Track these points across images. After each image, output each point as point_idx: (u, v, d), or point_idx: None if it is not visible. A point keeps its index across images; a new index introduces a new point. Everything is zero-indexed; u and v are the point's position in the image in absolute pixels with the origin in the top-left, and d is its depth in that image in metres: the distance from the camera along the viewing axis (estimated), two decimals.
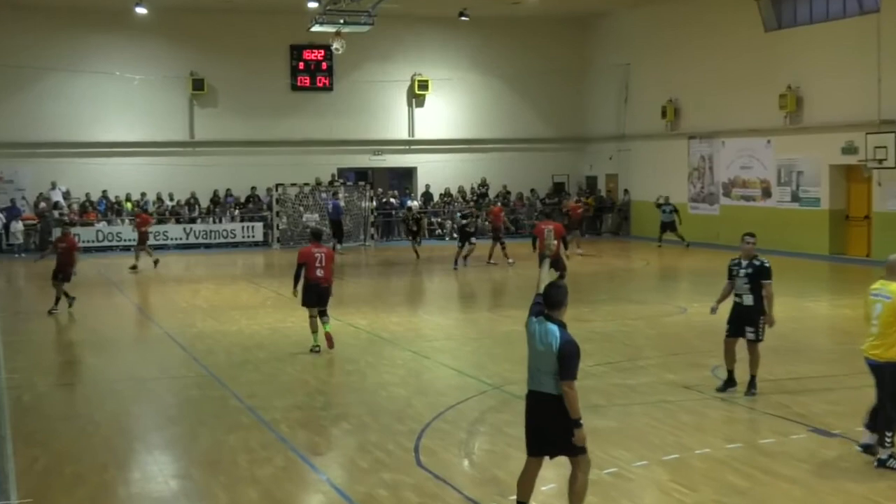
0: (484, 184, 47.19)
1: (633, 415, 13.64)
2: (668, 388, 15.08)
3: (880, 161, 31.87)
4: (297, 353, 18.57)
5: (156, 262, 34.21)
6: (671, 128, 42.85)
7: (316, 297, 18.39)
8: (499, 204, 42.22)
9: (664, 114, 42.82)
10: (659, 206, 39.85)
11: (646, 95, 44.02)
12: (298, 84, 44.96)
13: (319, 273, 18.26)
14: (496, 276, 31.65)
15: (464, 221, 34.45)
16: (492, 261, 33.82)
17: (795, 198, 36.21)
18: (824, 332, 21.36)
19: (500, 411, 13.92)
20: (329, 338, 18.44)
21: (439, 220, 45.33)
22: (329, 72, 45.22)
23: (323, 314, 18.47)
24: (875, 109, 32.71)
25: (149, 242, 35.53)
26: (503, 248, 33.96)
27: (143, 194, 42.66)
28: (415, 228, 37.95)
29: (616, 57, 45.68)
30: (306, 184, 43.16)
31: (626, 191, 46.00)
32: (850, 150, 33.88)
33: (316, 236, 18.75)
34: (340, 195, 41.71)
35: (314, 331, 18.40)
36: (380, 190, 45.54)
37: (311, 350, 18.38)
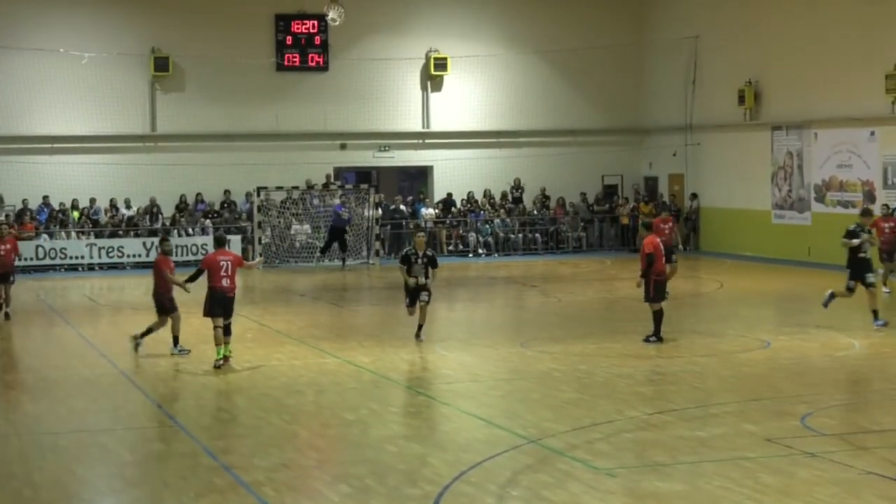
0: (518, 186, 47.25)
1: (704, 475, 13.61)
2: (747, 442, 15.03)
3: None
4: (285, 398, 18.59)
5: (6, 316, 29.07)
6: (750, 116, 42.81)
7: (221, 308, 20.93)
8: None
9: (742, 99, 42.78)
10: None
11: (719, 77, 43.99)
12: (286, 63, 45.13)
13: (225, 283, 20.93)
14: (531, 302, 31.64)
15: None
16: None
17: None
18: None
19: (538, 471, 13.91)
20: (226, 360, 20.96)
21: (461, 232, 45.39)
22: (323, 47, 45.39)
23: (227, 330, 20.85)
24: None
25: (99, 260, 35.50)
26: None
27: (93, 201, 42.88)
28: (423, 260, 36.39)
29: (682, 29, 45.69)
30: (295, 187, 43.27)
31: (693, 195, 45.98)
32: None
33: (220, 242, 21.68)
34: (340, 199, 41.85)
35: (218, 344, 20.86)
36: (385, 195, 45.61)
37: (215, 366, 20.66)
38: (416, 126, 46.69)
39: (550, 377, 20.05)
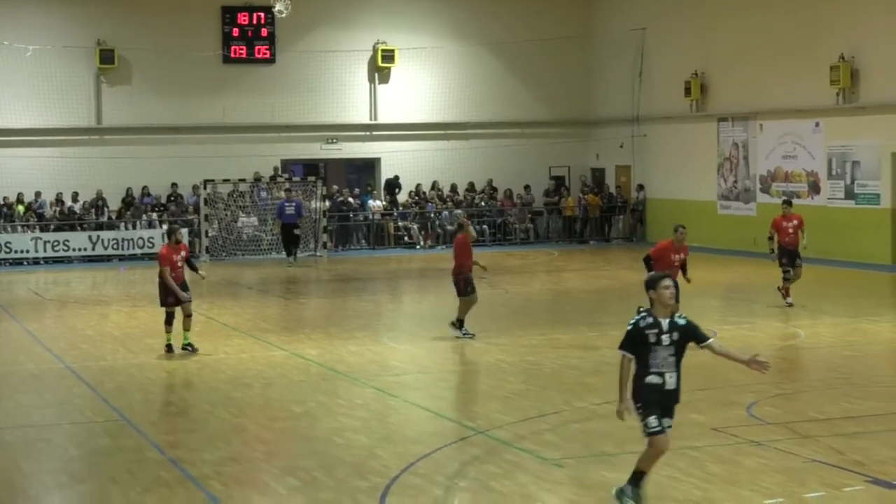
0: (472, 188, 47.27)
1: None
2: (693, 432, 15.11)
3: None
4: (233, 391, 18.55)
5: None
6: (697, 108, 43.02)
7: (174, 297, 21.73)
8: None
9: (688, 91, 42.98)
10: None
11: (665, 69, 44.18)
12: (232, 55, 44.93)
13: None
14: (480, 293, 31.65)
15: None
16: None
17: (850, 194, 36.41)
18: (887, 360, 21.46)
19: (486, 462, 13.94)
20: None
21: (406, 224, 45.36)
22: (270, 39, 45.22)
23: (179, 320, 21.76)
24: None
25: (45, 254, 35.33)
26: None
27: (38, 194, 42.54)
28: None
29: (628, 22, 45.83)
30: (242, 179, 43.11)
31: (640, 186, 46.17)
32: None
33: (170, 233, 22.41)
34: (285, 194, 41.63)
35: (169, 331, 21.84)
36: (335, 187, 45.53)
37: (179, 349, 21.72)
38: (363, 118, 46.60)
39: (498, 368, 20.10)
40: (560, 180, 48.63)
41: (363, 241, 44.98)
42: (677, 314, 11.65)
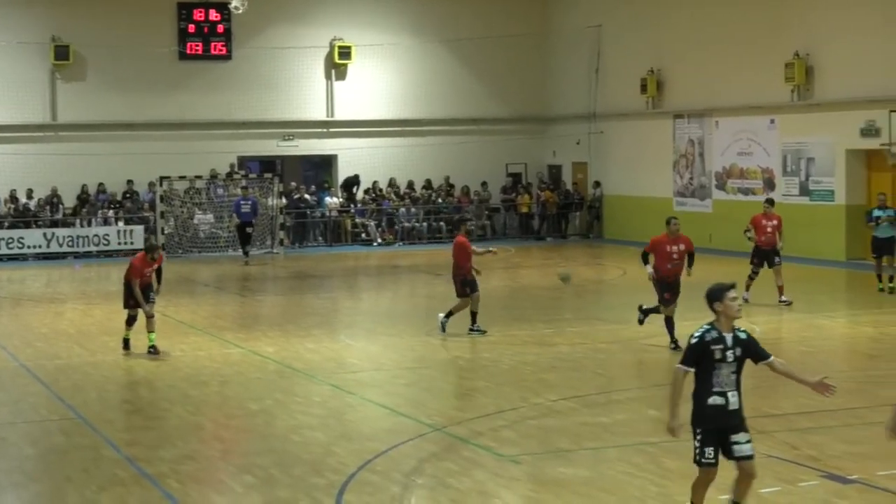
0: (429, 186, 47.24)
1: (608, 461, 13.73)
2: (649, 428, 15.18)
3: None
4: (189, 389, 18.49)
5: None
6: (653, 105, 43.16)
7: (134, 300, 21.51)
8: None
9: (644, 88, 43.11)
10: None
11: (622, 66, 44.29)
12: (188, 51, 44.72)
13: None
14: (436, 291, 31.71)
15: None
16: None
17: (805, 190, 36.62)
18: (842, 355, 21.63)
19: (443, 459, 13.95)
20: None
21: (364, 221, 45.30)
22: (227, 36, 45.05)
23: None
24: None
25: None
26: None
27: None
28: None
29: (585, 19, 45.92)
30: (198, 176, 42.95)
31: (597, 183, 46.28)
32: (870, 131, 34.28)
33: (150, 250, 21.76)
34: (241, 191, 41.49)
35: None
36: (292, 184, 45.44)
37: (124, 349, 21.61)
38: (320, 115, 46.51)
39: (455, 365, 20.13)
40: (517, 177, 48.69)
41: (320, 238, 44.89)
42: (738, 328, 10.78)
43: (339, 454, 14.22)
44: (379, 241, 44.44)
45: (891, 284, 27.67)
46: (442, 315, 22.96)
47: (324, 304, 30.13)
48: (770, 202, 27.93)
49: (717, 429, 10.59)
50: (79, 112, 43.47)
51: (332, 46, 46.02)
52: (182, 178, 42.57)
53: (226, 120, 44.93)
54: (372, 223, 45.07)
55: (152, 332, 21.50)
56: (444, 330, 22.75)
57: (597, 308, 27.90)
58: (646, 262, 21.11)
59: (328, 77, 46.47)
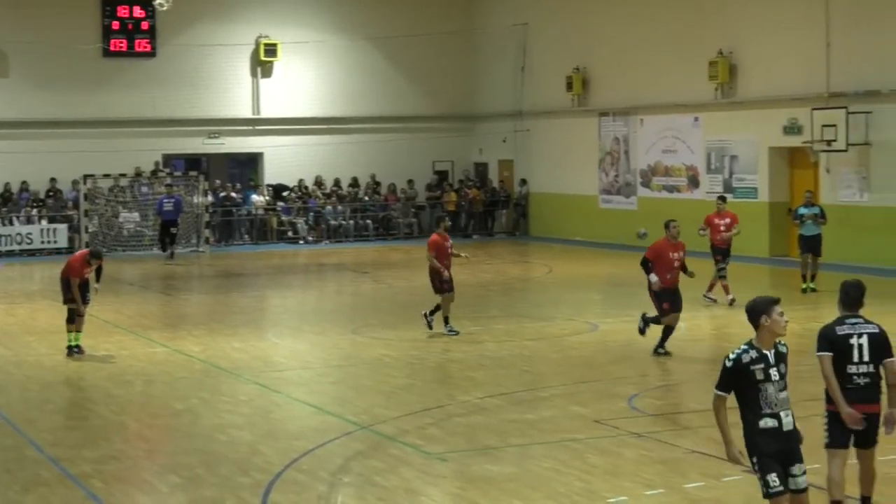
0: (356, 184, 47.16)
1: (534, 457, 13.79)
2: (575, 424, 15.27)
3: (829, 143, 32.63)
4: (113, 388, 18.35)
5: None
6: (578, 103, 43.35)
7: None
8: None
9: (570, 86, 43.28)
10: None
11: (548, 64, 44.45)
12: (112, 48, 44.36)
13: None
14: (364, 288, 31.71)
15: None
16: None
17: (728, 188, 36.91)
18: None
19: (369, 457, 13.95)
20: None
21: (291, 219, 45.16)
22: (151, 33, 44.74)
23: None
24: (823, 80, 33.47)
25: None
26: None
27: None
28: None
29: (511, 16, 46.03)
30: (123, 174, 42.61)
31: (523, 181, 46.42)
32: (793, 129, 34.64)
33: (96, 256, 21.47)
34: (166, 189, 41.19)
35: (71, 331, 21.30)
36: (217, 182, 45.22)
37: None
38: (246, 112, 46.30)
39: (382, 363, 20.12)
40: (443, 175, 48.74)
41: (246, 236, 44.69)
42: (779, 342, 9.92)
43: (265, 453, 14.18)
44: (310, 238, 44.31)
45: (812, 284, 27.90)
46: (427, 311, 22.77)
47: (250, 302, 30.03)
48: (722, 199, 28.04)
49: (775, 452, 9.76)
50: (1, 109, 42.98)
51: (257, 44, 45.83)
52: (106, 176, 42.23)
53: (151, 117, 44.61)
54: (301, 221, 44.92)
55: (79, 331, 21.31)
56: (430, 327, 22.57)
57: (523, 305, 28.00)
58: (647, 270, 19.82)
59: (254, 74, 46.28)
